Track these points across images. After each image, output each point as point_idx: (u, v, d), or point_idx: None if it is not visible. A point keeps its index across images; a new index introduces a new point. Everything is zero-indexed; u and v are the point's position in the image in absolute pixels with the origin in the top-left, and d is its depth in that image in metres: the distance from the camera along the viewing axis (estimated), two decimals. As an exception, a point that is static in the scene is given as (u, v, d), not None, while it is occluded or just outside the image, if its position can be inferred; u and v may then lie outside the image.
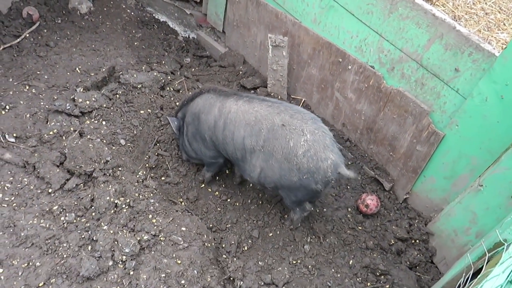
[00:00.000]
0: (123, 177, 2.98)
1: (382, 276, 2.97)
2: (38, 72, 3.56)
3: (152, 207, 2.88)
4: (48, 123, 3.19)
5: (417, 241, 3.15)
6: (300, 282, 2.84)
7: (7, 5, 3.88)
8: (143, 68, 3.90)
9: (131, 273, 2.51)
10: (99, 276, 2.46)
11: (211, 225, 3.12)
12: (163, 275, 2.52)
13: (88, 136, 3.12)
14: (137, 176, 3.12)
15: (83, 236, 2.62)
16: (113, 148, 3.20)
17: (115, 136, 3.29)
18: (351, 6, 3.07)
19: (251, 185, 3.37)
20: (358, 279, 2.94)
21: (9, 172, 2.88)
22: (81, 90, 3.44)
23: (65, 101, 3.29)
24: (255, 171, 2.79)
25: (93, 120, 3.32)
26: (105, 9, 4.43)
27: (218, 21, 4.32)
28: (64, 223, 2.68)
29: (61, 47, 3.86)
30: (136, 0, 4.68)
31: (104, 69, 3.73)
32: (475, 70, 2.56)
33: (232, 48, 4.35)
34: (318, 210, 3.25)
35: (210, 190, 3.36)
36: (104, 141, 3.18)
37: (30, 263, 2.45)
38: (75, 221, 2.70)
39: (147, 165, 3.33)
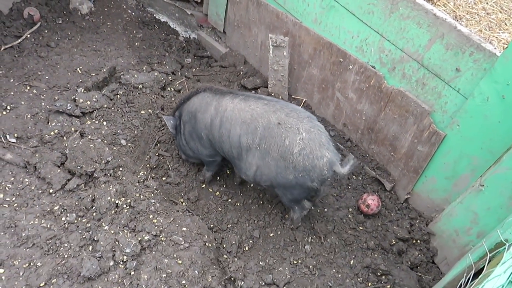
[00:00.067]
0: (124, 178, 2.99)
1: (383, 276, 2.97)
2: (39, 73, 3.57)
3: (153, 207, 2.88)
4: (49, 123, 3.20)
5: (418, 241, 3.14)
6: (301, 282, 2.84)
7: (8, 6, 3.89)
8: (144, 68, 3.90)
9: (132, 273, 2.51)
10: (100, 276, 2.46)
11: (212, 225, 3.12)
12: (164, 275, 2.52)
13: (89, 137, 3.12)
14: (138, 176, 3.12)
15: (84, 236, 2.62)
16: (114, 148, 3.21)
17: (116, 137, 3.29)
18: (351, 6, 3.07)
19: (252, 185, 3.37)
20: (359, 279, 2.94)
21: (10, 173, 2.89)
22: (82, 90, 3.45)
23: (66, 101, 3.30)
24: (251, 169, 2.79)
25: (94, 120, 3.32)
26: (106, 9, 4.43)
27: (219, 21, 4.32)
28: (65, 224, 2.68)
29: (62, 48, 3.87)
30: (137, 1, 4.69)
31: (105, 70, 3.74)
32: (476, 70, 2.55)
33: (233, 48, 4.35)
34: (319, 210, 3.25)
35: (211, 190, 3.36)
36: (105, 141, 3.18)
37: (31, 263, 2.45)
38: (76, 221, 2.71)
39: (148, 165, 3.33)
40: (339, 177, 3.34)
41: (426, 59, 2.79)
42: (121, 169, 3.04)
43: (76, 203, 2.79)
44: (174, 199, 3.18)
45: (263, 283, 2.78)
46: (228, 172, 3.49)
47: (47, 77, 3.56)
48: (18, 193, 2.79)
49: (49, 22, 4.01)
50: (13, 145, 3.03)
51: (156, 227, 2.73)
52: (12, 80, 3.43)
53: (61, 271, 2.45)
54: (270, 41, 3.54)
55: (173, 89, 3.88)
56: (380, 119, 3.24)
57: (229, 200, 3.32)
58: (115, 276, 2.46)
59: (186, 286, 2.52)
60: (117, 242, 2.57)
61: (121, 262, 2.53)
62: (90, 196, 2.80)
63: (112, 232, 2.64)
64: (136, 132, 3.42)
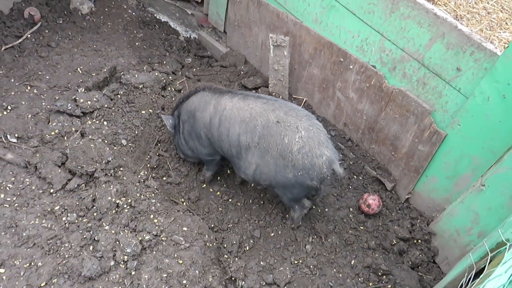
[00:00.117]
0: (124, 177, 2.99)
1: (384, 276, 2.97)
2: (40, 73, 3.57)
3: (153, 207, 2.88)
4: (50, 123, 3.20)
5: (419, 241, 3.14)
6: (302, 282, 2.84)
7: (8, 6, 3.89)
8: (145, 68, 3.90)
9: (133, 273, 2.51)
10: (100, 276, 2.46)
11: (212, 225, 3.11)
12: (165, 275, 2.52)
13: (90, 136, 3.12)
14: (139, 176, 3.12)
15: (84, 236, 2.62)
16: (115, 148, 3.21)
17: (117, 136, 3.29)
18: (352, 5, 3.07)
19: (252, 185, 3.37)
20: (360, 279, 2.94)
21: (11, 173, 2.89)
22: (83, 90, 3.45)
23: (67, 101, 3.30)
24: (251, 168, 2.79)
25: (94, 120, 3.32)
26: (106, 9, 4.43)
27: (219, 21, 4.32)
28: (65, 223, 2.68)
29: (63, 48, 3.87)
30: (137, 1, 4.69)
31: (105, 69, 3.74)
32: (477, 69, 2.55)
33: (233, 48, 4.35)
34: (319, 210, 3.25)
35: (211, 190, 3.36)
36: (106, 141, 3.18)
37: (32, 263, 2.46)
38: (76, 221, 2.71)
39: (148, 165, 3.33)
40: (339, 177, 3.33)
41: (426, 58, 2.78)
42: (121, 169, 3.04)
43: (77, 203, 2.79)
44: (174, 199, 3.18)
45: (264, 283, 2.78)
46: (228, 172, 3.49)
47: (47, 77, 3.56)
48: (18, 193, 2.79)
49: (49, 22, 4.01)
50: (14, 145, 3.04)
51: (156, 227, 2.73)
52: (12, 80, 3.43)
53: (62, 271, 2.45)
54: (270, 41, 3.54)
55: (173, 89, 3.88)
56: (381, 118, 3.24)
57: (230, 200, 3.32)
58: (115, 276, 2.46)
59: (187, 286, 2.52)
60: (117, 242, 2.57)
61: (122, 262, 2.53)
62: (91, 196, 2.80)
63: (113, 232, 2.64)
64: (136, 132, 3.42)
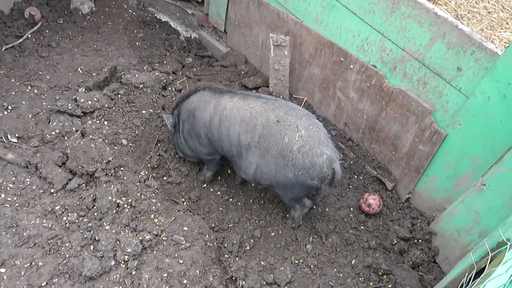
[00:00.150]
0: (125, 177, 2.99)
1: (385, 276, 2.96)
2: (40, 73, 3.57)
3: (154, 207, 2.88)
4: (50, 123, 3.20)
5: (420, 240, 3.14)
6: (302, 281, 2.84)
7: (9, 6, 3.89)
8: (145, 68, 3.90)
9: (133, 273, 2.51)
10: (101, 276, 2.46)
11: (213, 225, 3.12)
12: (165, 274, 2.52)
13: (90, 136, 3.12)
14: (139, 176, 3.12)
15: (85, 236, 2.62)
16: (115, 148, 3.21)
17: (117, 136, 3.29)
18: (352, 5, 3.07)
19: (253, 185, 3.37)
20: (360, 279, 2.94)
21: (11, 172, 2.89)
22: (83, 90, 3.45)
23: (67, 101, 3.30)
24: (251, 167, 2.79)
25: (95, 120, 3.32)
26: (106, 9, 4.43)
27: (220, 21, 4.32)
28: (66, 223, 2.68)
29: (63, 48, 3.87)
30: (137, 0, 4.69)
31: (106, 69, 3.74)
32: (478, 69, 2.55)
33: (233, 48, 4.34)
34: (320, 210, 3.25)
35: (212, 190, 3.36)
36: (106, 141, 3.18)
37: (33, 263, 2.46)
38: (77, 221, 2.71)
39: (149, 165, 3.34)
40: (339, 177, 3.33)
41: (427, 58, 2.78)
42: (122, 168, 3.04)
43: (77, 203, 2.79)
44: (175, 198, 3.18)
45: (265, 283, 2.78)
46: (229, 171, 3.49)
47: (48, 77, 3.56)
48: (19, 193, 2.79)
49: (50, 22, 4.01)
50: (14, 145, 3.04)
51: (157, 227, 2.73)
52: (13, 80, 3.43)
53: (63, 270, 2.45)
54: (271, 41, 3.54)
55: (174, 89, 3.88)
56: (381, 118, 3.24)
57: (230, 199, 3.32)
58: (116, 276, 2.46)
59: (187, 285, 2.52)
60: (118, 242, 2.57)
61: (123, 262, 2.53)
62: (91, 195, 2.81)
63: (113, 231, 2.64)
64: (137, 132, 3.42)
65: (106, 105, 3.41)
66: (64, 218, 2.70)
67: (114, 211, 2.77)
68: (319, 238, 3.11)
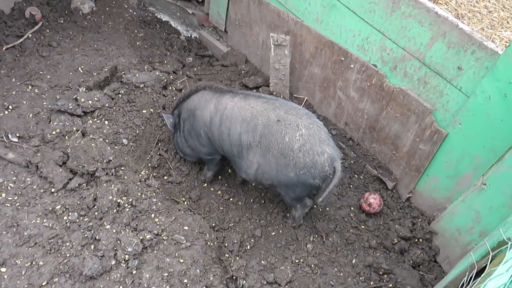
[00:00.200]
0: (125, 177, 2.99)
1: (385, 275, 2.96)
2: (41, 72, 3.57)
3: (154, 206, 2.88)
4: (51, 123, 3.20)
5: (420, 240, 3.14)
6: (303, 281, 2.84)
7: (9, 6, 3.89)
8: (145, 67, 3.90)
9: (134, 272, 2.51)
10: (102, 275, 2.46)
11: (213, 224, 3.12)
12: (166, 274, 2.52)
13: (91, 136, 3.12)
14: (140, 175, 3.12)
15: (86, 235, 2.63)
16: (116, 147, 3.21)
17: (118, 136, 3.29)
18: (353, 4, 3.06)
19: (253, 184, 3.37)
20: (361, 278, 2.94)
21: (12, 172, 2.89)
22: (84, 90, 3.45)
23: (68, 101, 3.30)
24: (252, 167, 2.79)
25: (95, 119, 3.32)
26: (107, 9, 4.43)
27: (220, 20, 4.32)
28: (67, 223, 2.69)
29: (64, 47, 3.87)
30: (138, 0, 4.69)
31: (106, 69, 3.74)
32: (478, 68, 2.54)
33: (234, 48, 4.34)
34: (320, 209, 3.25)
35: (212, 189, 3.36)
36: (107, 140, 3.18)
37: (33, 263, 2.46)
38: (78, 220, 2.71)
39: (149, 164, 3.34)
40: (347, 177, 3.33)
41: (427, 57, 2.78)
42: (122, 168, 3.04)
43: (78, 202, 2.80)
44: (175, 198, 3.18)
45: (265, 282, 2.78)
46: (229, 171, 3.49)
47: (48, 77, 3.56)
48: (20, 193, 2.80)
49: (50, 22, 4.01)
50: (15, 145, 3.04)
51: (157, 226, 2.73)
52: (14, 80, 3.44)
53: (63, 270, 2.45)
54: (271, 40, 3.54)
55: (174, 88, 3.88)
56: (382, 117, 3.24)
57: (231, 199, 3.32)
58: (117, 275, 2.46)
59: (188, 285, 2.52)
60: (119, 241, 2.58)
61: (123, 261, 2.53)
62: (92, 195, 2.81)
63: (114, 231, 2.64)
64: (137, 131, 3.42)
65: (107, 105, 3.41)
66: (65, 218, 2.70)
67: (115, 210, 2.77)
68: (319, 237, 3.11)
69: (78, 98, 3.33)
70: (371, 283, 2.92)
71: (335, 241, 3.08)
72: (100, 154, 2.98)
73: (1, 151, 2.95)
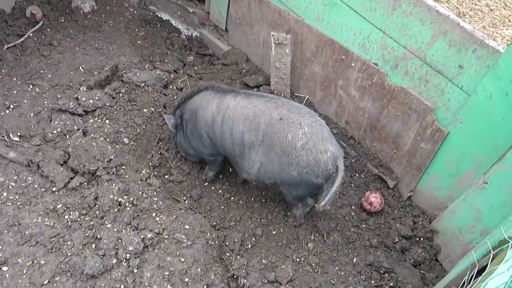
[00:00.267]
0: (126, 176, 2.99)
1: (386, 274, 2.96)
2: (42, 71, 3.58)
3: (155, 205, 2.88)
4: (52, 122, 3.20)
5: (422, 238, 3.14)
6: (304, 280, 2.84)
7: (10, 5, 3.89)
8: (146, 66, 3.90)
9: (135, 271, 2.52)
10: (103, 274, 2.47)
11: (214, 223, 3.12)
12: (167, 273, 2.52)
13: (92, 135, 3.13)
14: (141, 174, 3.13)
15: (87, 234, 2.63)
16: (117, 146, 3.21)
17: (119, 135, 3.29)
18: (354, 3, 3.06)
19: (254, 183, 3.36)
20: (362, 277, 2.93)
21: (13, 171, 2.90)
22: (85, 89, 3.45)
23: (69, 100, 3.31)
24: (255, 166, 2.79)
25: (96, 118, 3.33)
26: (108, 8, 4.43)
27: (221, 19, 4.31)
28: (68, 222, 2.69)
29: (65, 46, 3.87)
30: (139, -1, 4.69)
31: (107, 68, 3.74)
32: (480, 66, 2.54)
33: (235, 46, 4.34)
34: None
35: (213, 188, 3.36)
36: (108, 139, 3.19)
37: (35, 261, 2.46)
38: (79, 219, 2.71)
39: (150, 163, 3.34)
40: (348, 176, 3.33)
41: (429, 56, 2.77)
42: (123, 167, 3.04)
43: (79, 201, 2.80)
44: (176, 197, 3.18)
45: (266, 281, 2.78)
46: (230, 170, 3.49)
47: (49, 76, 3.57)
48: (21, 192, 2.80)
49: (51, 21, 4.02)
50: (16, 144, 3.04)
51: (158, 225, 2.74)
52: (15, 79, 3.44)
53: (65, 269, 2.45)
54: (272, 39, 3.53)
55: (175, 87, 3.88)
56: (383, 116, 3.23)
57: (232, 198, 3.32)
58: (118, 274, 2.47)
59: (189, 284, 2.53)
60: (120, 240, 2.58)
61: (124, 260, 2.54)
62: (93, 194, 2.81)
63: (115, 230, 2.64)
64: (138, 131, 3.42)
65: (108, 104, 3.41)
66: (66, 217, 2.71)
67: (116, 209, 2.77)
68: (320, 236, 3.11)
69: (79, 97, 3.34)
70: (372, 282, 2.92)
71: (336, 240, 3.08)
72: (101, 153, 2.98)
73: (2, 150, 2.95)
